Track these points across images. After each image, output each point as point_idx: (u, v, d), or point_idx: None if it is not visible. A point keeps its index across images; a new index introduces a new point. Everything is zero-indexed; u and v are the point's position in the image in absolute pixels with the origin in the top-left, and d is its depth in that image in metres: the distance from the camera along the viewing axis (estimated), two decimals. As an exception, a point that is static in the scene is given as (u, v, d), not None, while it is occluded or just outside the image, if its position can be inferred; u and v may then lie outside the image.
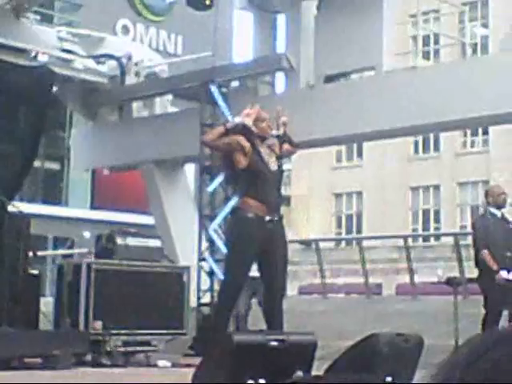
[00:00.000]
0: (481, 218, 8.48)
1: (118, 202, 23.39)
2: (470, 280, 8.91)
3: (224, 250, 7.13)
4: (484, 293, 7.92)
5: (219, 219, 11.23)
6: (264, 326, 5.78)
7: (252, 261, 5.55)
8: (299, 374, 4.50)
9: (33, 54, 12.54)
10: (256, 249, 5.43)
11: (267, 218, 5.39)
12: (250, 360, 4.49)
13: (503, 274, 7.72)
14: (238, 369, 4.51)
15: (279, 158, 5.57)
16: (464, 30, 29.16)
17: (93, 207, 24.56)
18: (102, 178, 20.61)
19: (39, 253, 14.02)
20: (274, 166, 5.50)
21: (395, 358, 5.24)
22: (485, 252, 7.77)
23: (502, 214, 8.03)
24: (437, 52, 25.32)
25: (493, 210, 7.95)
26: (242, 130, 5.48)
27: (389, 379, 5.14)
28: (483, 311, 7.78)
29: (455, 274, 12.03)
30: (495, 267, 7.68)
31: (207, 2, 11.84)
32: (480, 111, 10.25)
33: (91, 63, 13.72)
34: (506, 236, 7.87)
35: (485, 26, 30.05)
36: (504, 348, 0.71)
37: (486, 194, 8.19)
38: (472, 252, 8.20)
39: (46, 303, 8.73)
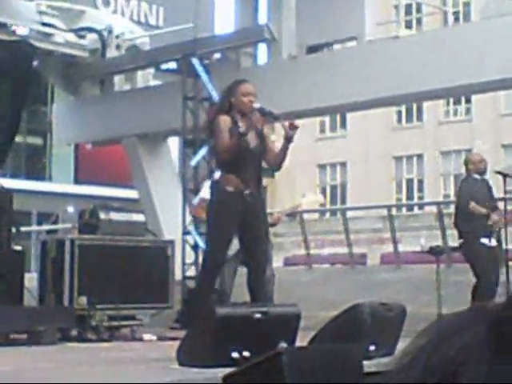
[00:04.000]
0: (465, 180, 8.48)
1: (101, 177, 23.31)
2: (453, 249, 8.97)
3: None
4: (469, 261, 7.94)
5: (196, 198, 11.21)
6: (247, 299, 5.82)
7: (233, 234, 5.57)
8: (283, 345, 4.53)
9: (12, 28, 12.39)
10: (236, 222, 5.45)
11: (247, 191, 5.41)
12: (233, 333, 4.52)
13: (485, 240, 7.75)
14: (221, 342, 4.53)
15: (260, 133, 5.55)
16: (446, -2, 29.08)
17: (76, 182, 24.47)
18: (84, 152, 20.52)
19: (23, 228, 13.98)
20: (253, 141, 5.49)
21: (378, 327, 5.29)
22: (472, 203, 7.74)
23: (484, 181, 8.06)
24: (419, 21, 25.25)
25: (475, 176, 7.99)
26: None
27: (372, 348, 5.18)
28: (473, 280, 7.79)
29: (438, 242, 12.11)
30: (483, 211, 7.65)
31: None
32: (463, 80, 10.26)
33: (72, 37, 13.58)
34: (488, 202, 7.91)
35: (467, -6, 29.96)
36: (469, 332, 0.70)
37: (467, 162, 8.22)
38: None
39: (31, 279, 8.71)
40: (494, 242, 7.82)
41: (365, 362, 4.13)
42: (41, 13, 13.39)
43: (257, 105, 5.55)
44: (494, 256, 7.75)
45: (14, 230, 8.56)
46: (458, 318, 0.73)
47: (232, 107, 5.48)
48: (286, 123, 5.53)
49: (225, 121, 5.43)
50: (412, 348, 0.73)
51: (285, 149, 5.57)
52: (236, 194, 5.41)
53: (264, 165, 5.68)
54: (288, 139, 5.50)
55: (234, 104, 5.47)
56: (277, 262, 19.64)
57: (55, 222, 20.90)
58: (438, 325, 0.74)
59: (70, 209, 20.35)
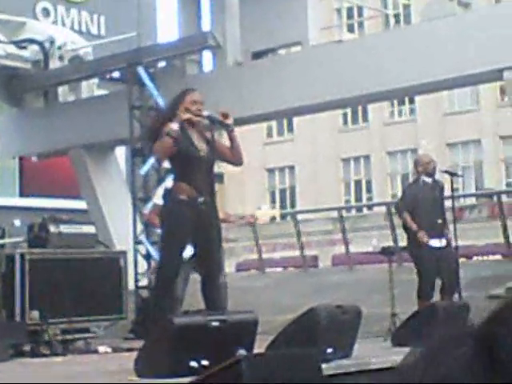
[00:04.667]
0: (411, 185, 8.60)
1: (48, 189, 23.00)
2: (404, 248, 9.08)
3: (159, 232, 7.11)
4: (414, 260, 8.06)
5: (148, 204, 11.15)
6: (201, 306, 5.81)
7: (186, 242, 5.56)
8: (242, 352, 4.53)
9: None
10: (189, 230, 5.46)
11: (199, 199, 5.43)
12: (191, 342, 4.50)
13: (434, 242, 7.86)
14: (179, 351, 4.51)
15: (210, 141, 5.56)
16: (387, 0, 29.47)
17: (22, 195, 24.10)
18: (30, 165, 20.21)
19: (-30, 244, 13.72)
20: (203, 150, 5.50)
21: (335, 329, 5.33)
22: (405, 214, 7.90)
23: (434, 181, 8.17)
24: (361, 24, 25.52)
25: (424, 178, 8.10)
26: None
27: (330, 351, 5.22)
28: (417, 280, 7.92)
29: (389, 242, 12.25)
30: (414, 227, 7.79)
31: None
32: (406, 81, 10.40)
33: (13, 49, 13.39)
34: (436, 204, 8.02)
35: (406, -5, 30.39)
36: (458, 351, 0.71)
37: (416, 164, 8.33)
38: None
39: (-20, 296, 8.55)
40: (442, 242, 7.92)
41: (323, 365, 4.15)
42: (-19, 25, 13.19)
43: (205, 112, 5.55)
44: (443, 256, 7.82)
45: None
46: (444, 337, 0.74)
47: (179, 116, 5.47)
48: (219, 116, 5.57)
49: (169, 126, 5.40)
50: (401, 373, 0.74)
51: (233, 139, 5.62)
52: (189, 201, 5.41)
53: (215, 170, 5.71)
54: (227, 127, 5.51)
55: (182, 112, 5.47)
56: (229, 267, 19.63)
57: (2, 237, 20.58)
58: (425, 346, 0.75)
59: (17, 222, 20.04)
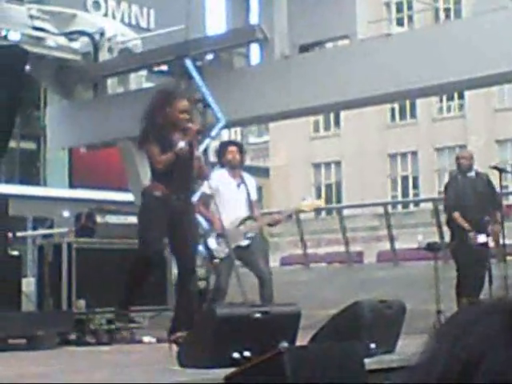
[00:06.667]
0: (452, 181, 8.52)
1: (96, 180, 23.27)
2: (449, 245, 8.99)
3: (203, 223, 7.15)
4: (455, 257, 7.99)
5: (196, 193, 11.19)
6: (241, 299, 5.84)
7: (161, 235, 5.77)
8: (284, 344, 4.52)
9: (4, 33, 12.35)
10: (163, 225, 5.65)
11: (174, 196, 5.64)
12: (234, 333, 4.51)
13: (480, 237, 7.77)
14: (222, 342, 4.52)
15: (190, 144, 5.69)
16: (437, -6, 29.13)
17: (71, 186, 24.41)
18: (79, 156, 20.47)
19: (19, 233, 13.95)
20: (182, 149, 5.64)
21: (378, 324, 5.29)
22: (456, 213, 7.84)
23: (476, 175, 8.09)
24: (410, 18, 25.27)
25: (465, 173, 8.03)
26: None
27: (373, 345, 5.18)
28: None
29: (435, 239, 12.12)
30: (466, 226, 7.72)
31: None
32: (455, 76, 10.26)
33: (63, 40, 13.55)
34: (478, 199, 7.92)
35: (457, -10, 30.01)
36: (488, 321, 0.73)
37: (457, 159, 8.28)
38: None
39: (28, 284, 8.70)
40: (483, 238, 7.84)
41: (366, 360, 4.13)
42: (32, 17, 13.36)
43: (196, 126, 5.81)
44: (483, 253, 7.75)
45: (10, 235, 8.54)
46: (476, 308, 0.75)
47: (166, 119, 5.70)
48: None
49: (154, 137, 5.66)
50: (432, 341, 0.75)
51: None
52: (162, 198, 5.64)
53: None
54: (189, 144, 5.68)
55: (169, 117, 5.69)
56: (273, 261, 19.65)
57: (51, 227, 20.89)
58: (458, 316, 0.76)
59: (66, 213, 20.35)
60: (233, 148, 6.78)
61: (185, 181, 5.74)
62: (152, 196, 5.69)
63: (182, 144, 5.57)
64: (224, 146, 6.92)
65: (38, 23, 13.35)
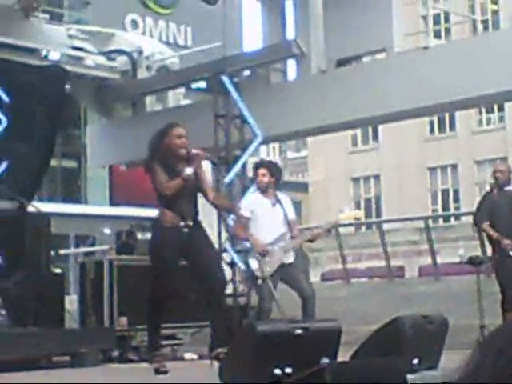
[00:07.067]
0: (487, 195, 8.42)
1: (136, 197, 23.40)
2: (490, 258, 8.87)
3: (244, 243, 7.18)
4: (496, 271, 7.88)
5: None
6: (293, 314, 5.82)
7: (176, 265, 5.88)
8: (325, 360, 4.50)
9: (44, 53, 12.55)
10: (176, 253, 5.80)
11: (182, 223, 5.81)
12: (274, 349, 4.49)
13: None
14: (263, 358, 4.51)
15: (195, 172, 5.86)
16: (474, 6, 28.91)
17: (112, 203, 24.62)
18: (119, 173, 20.66)
19: (61, 251, 14.11)
20: (188, 177, 5.81)
21: (421, 340, 5.23)
22: (485, 224, 7.76)
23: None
24: (448, 30, 25.11)
25: (501, 187, 7.93)
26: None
27: (415, 361, 5.13)
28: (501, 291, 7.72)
29: (477, 252, 11.97)
30: (495, 235, 7.63)
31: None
32: (494, 88, 10.16)
33: (102, 59, 13.73)
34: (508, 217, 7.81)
35: (495, 1, 29.77)
36: None
37: (493, 173, 8.17)
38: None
39: (71, 301, 8.78)
40: None
41: (409, 376, 4.08)
42: (71, 37, 13.56)
43: (202, 152, 6.03)
44: None
45: (52, 253, 8.64)
46: None
47: (166, 149, 5.90)
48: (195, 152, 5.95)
49: (156, 166, 5.85)
50: (477, 354, 0.74)
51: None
52: (173, 228, 5.79)
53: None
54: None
55: (168, 145, 5.90)
56: (314, 277, 19.55)
57: (93, 244, 21.08)
58: (502, 329, 0.75)
59: (107, 230, 20.53)
60: (261, 171, 6.78)
61: (192, 206, 5.93)
62: (162, 227, 5.85)
63: (189, 171, 5.78)
64: (255, 168, 6.97)
65: (77, 43, 13.54)
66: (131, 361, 7.30)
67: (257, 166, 6.96)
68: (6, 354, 6.40)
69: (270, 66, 13.10)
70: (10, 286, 7.67)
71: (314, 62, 11.79)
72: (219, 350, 5.64)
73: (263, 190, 6.71)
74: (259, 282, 6.43)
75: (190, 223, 5.87)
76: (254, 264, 6.47)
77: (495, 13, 28.94)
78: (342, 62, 11.88)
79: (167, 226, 5.81)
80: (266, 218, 6.58)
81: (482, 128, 31.01)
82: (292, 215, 6.78)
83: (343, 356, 4.97)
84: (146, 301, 6.00)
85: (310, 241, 6.95)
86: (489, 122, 31.23)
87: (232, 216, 10.09)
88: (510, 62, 9.88)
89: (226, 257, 11.24)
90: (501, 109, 29.66)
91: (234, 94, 11.69)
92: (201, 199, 6.12)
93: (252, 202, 6.73)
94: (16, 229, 8.67)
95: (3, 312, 7.23)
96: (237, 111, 11.67)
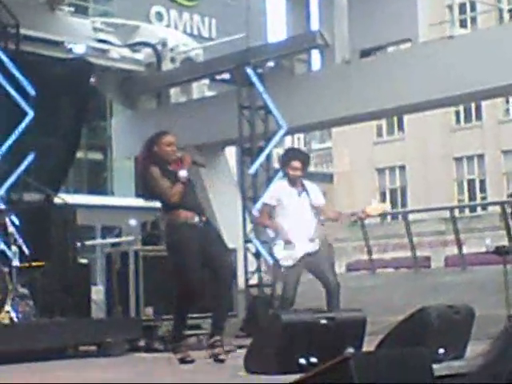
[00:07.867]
0: None
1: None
2: (519, 248, 8.80)
3: (268, 232, 7.17)
4: None
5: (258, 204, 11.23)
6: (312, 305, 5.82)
7: (198, 259, 5.86)
8: (350, 350, 4.50)
9: (69, 46, 12.63)
10: (197, 248, 5.83)
11: (196, 219, 5.90)
12: (299, 339, 4.51)
13: None
14: (288, 348, 4.53)
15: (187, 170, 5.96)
16: (501, -6, 28.61)
17: (138, 195, 24.75)
18: (144, 165, 20.71)
19: (88, 242, 14.22)
20: (184, 175, 5.90)
21: (447, 330, 5.22)
22: None
23: None
24: (474, 20, 24.89)
25: None
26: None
27: (441, 351, 5.12)
28: None
29: (504, 242, 11.88)
30: None
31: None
32: (521, 76, 10.08)
33: (127, 52, 13.79)
34: None
35: (522, -11, 29.42)
36: None
37: None
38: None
39: (97, 291, 8.85)
40: None
41: (434, 366, 4.07)
42: (96, 30, 13.64)
43: (189, 156, 6.01)
44: None
45: (79, 244, 8.72)
46: None
47: (156, 156, 5.95)
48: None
49: (155, 171, 5.91)
50: (499, 341, 0.74)
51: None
52: (188, 224, 5.87)
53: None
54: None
55: (158, 153, 5.95)
56: (339, 267, 19.52)
57: (119, 235, 21.22)
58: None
59: (132, 221, 20.63)
60: (296, 164, 6.63)
61: (196, 203, 6.05)
62: (177, 224, 5.89)
63: (183, 173, 5.88)
64: (288, 159, 6.73)
65: (102, 36, 13.62)
66: (157, 350, 7.35)
67: (291, 157, 6.74)
68: (33, 344, 6.48)
69: (294, 56, 13.09)
70: (37, 276, 7.75)
71: (338, 53, 11.76)
72: (215, 338, 5.74)
73: (292, 182, 6.67)
74: (283, 270, 6.44)
75: (204, 218, 5.99)
76: (278, 252, 6.46)
77: (522, 1, 28.62)
78: (366, 53, 11.83)
79: (181, 221, 5.88)
80: (293, 207, 6.57)
81: (509, 117, 30.71)
82: (320, 200, 6.71)
83: (369, 346, 4.97)
84: (175, 296, 6.03)
85: (333, 220, 6.96)
86: (515, 111, 30.93)
87: (257, 204, 10.09)
88: (536, 51, 9.79)
89: (251, 247, 11.26)
90: (528, 98, 29.36)
91: (258, 85, 11.68)
92: (200, 194, 6.35)
93: (279, 191, 6.70)
94: (43, 220, 8.76)
95: (31, 303, 7.31)
96: (261, 102, 11.67)
